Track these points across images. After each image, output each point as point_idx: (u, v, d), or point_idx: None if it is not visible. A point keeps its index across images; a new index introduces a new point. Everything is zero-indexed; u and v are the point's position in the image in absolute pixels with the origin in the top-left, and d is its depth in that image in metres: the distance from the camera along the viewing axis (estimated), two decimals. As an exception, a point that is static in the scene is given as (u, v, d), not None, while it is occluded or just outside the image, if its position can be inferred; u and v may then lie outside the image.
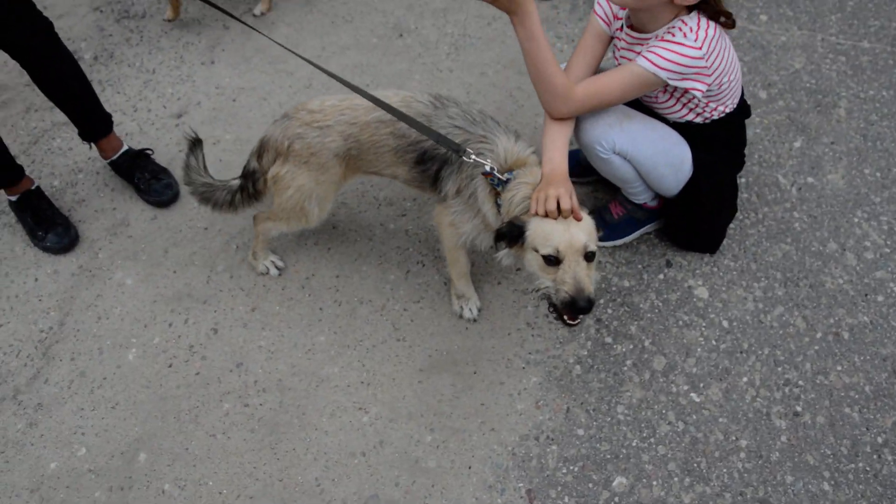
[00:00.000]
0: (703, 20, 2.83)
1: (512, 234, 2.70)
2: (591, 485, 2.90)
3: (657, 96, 3.10)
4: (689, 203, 3.32)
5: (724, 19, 2.90)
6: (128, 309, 3.43)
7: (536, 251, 2.66)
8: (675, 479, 2.89)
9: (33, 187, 3.68)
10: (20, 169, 3.61)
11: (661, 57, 2.78)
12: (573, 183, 2.90)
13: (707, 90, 2.92)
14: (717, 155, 3.24)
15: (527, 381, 3.16)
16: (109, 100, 4.24)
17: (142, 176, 3.75)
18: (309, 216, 3.18)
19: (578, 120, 3.15)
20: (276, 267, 3.48)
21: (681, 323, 3.32)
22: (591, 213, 2.80)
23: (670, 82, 2.83)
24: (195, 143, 3.22)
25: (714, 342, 3.25)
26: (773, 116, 4.00)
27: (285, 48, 3.09)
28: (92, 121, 3.65)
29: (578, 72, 3.10)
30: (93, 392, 3.18)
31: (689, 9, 2.86)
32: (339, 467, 2.97)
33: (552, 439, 3.02)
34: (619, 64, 3.10)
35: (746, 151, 3.45)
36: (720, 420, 3.03)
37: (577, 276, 2.60)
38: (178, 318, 3.38)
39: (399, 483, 2.94)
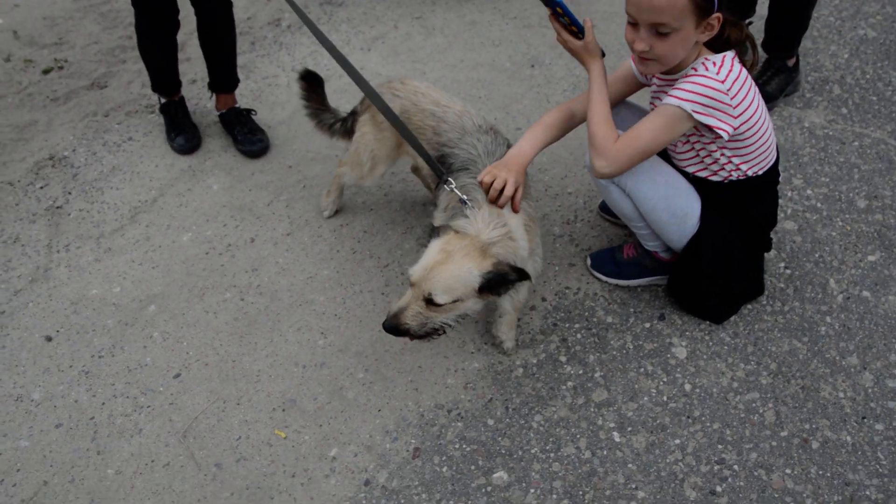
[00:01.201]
0: (729, 60, 2.92)
1: (430, 234, 2.95)
2: (473, 467, 3.07)
3: (675, 144, 3.21)
4: (690, 263, 3.37)
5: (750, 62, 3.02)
6: (202, 205, 4.27)
7: None
8: (554, 496, 2.95)
9: (176, 98, 4.68)
10: (179, 83, 4.64)
11: (684, 90, 2.88)
12: (606, 220, 3.14)
13: (733, 134, 2.95)
14: (729, 219, 3.26)
15: (468, 364, 3.41)
16: (279, 58, 5.29)
17: (241, 129, 4.63)
18: (363, 168, 3.70)
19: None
20: (332, 211, 4.13)
21: (641, 370, 3.34)
22: (610, 251, 3.18)
23: (695, 115, 2.86)
24: (309, 76, 3.84)
25: (665, 398, 3.23)
26: (859, 226, 3.83)
27: (321, 39, 3.52)
28: (224, 77, 4.60)
29: None
30: (147, 252, 4.02)
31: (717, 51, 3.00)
32: (280, 369, 3.46)
33: (461, 417, 3.23)
34: (652, 107, 3.31)
35: (807, 246, 3.39)
36: (629, 465, 3.03)
37: (402, 304, 2.82)
38: (232, 223, 4.14)
39: (317, 398, 3.34)
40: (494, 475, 3.05)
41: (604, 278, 3.68)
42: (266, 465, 3.14)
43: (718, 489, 2.94)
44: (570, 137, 3.33)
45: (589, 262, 3.74)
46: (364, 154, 3.65)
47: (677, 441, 3.10)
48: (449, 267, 2.72)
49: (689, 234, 3.30)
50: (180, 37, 4.38)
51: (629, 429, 3.16)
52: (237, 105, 4.67)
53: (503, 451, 3.12)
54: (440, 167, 3.17)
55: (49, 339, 3.65)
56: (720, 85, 2.87)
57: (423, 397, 3.33)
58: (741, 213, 3.28)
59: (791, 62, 4.55)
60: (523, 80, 4.88)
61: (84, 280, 3.92)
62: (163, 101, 4.67)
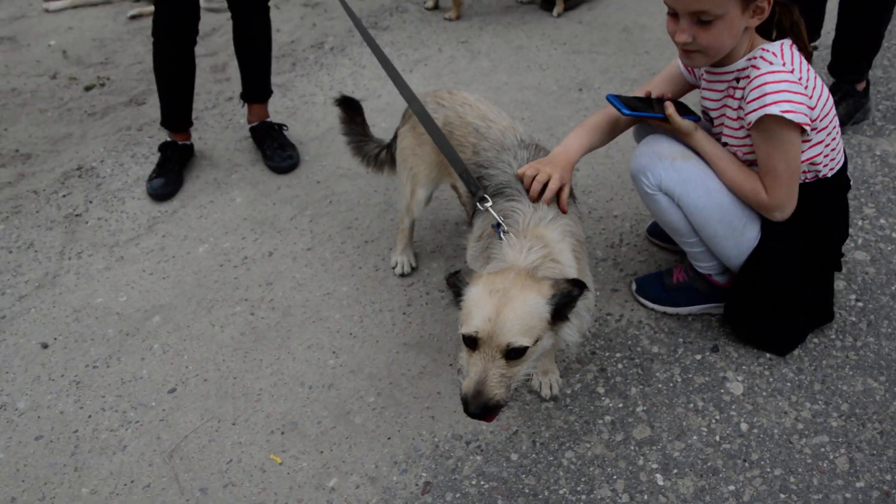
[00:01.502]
0: (788, 48, 2.59)
1: (453, 285, 2.36)
2: (490, 506, 2.62)
3: (740, 145, 2.77)
4: (751, 283, 2.91)
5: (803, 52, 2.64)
6: (223, 217, 3.98)
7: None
8: None
9: (181, 141, 4.32)
10: (190, 120, 4.34)
11: (761, 97, 2.52)
12: (655, 244, 2.75)
13: (811, 124, 2.57)
14: (794, 231, 2.80)
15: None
16: (318, 78, 5.03)
17: (271, 144, 4.33)
18: (404, 189, 3.30)
19: (637, 134, 3.00)
20: (403, 267, 3.53)
21: (691, 406, 2.85)
22: (656, 276, 2.78)
23: (787, 117, 2.47)
24: (346, 102, 3.52)
25: (717, 438, 2.73)
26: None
27: (364, 35, 3.29)
28: (257, 87, 4.32)
29: None
30: (159, 262, 3.72)
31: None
32: (284, 389, 3.07)
33: (481, 450, 2.78)
34: (703, 105, 2.92)
35: (882, 278, 2.91)
36: (674, 514, 2.54)
37: (482, 374, 2.19)
38: (251, 236, 3.83)
39: (321, 422, 2.93)
40: (515, 517, 2.59)
41: (650, 305, 3.22)
42: (256, 492, 2.72)
43: (781, 547, 2.43)
44: (619, 160, 2.96)
45: (634, 287, 3.29)
46: (404, 174, 3.27)
47: (731, 487, 2.59)
48: (515, 306, 2.18)
49: (747, 249, 2.86)
50: (222, 58, 4.20)
51: (675, 471, 2.66)
52: (269, 119, 4.42)
53: (527, 491, 2.65)
54: (476, 182, 2.74)
55: (45, 346, 3.34)
56: (790, 76, 2.51)
57: (440, 426, 2.89)
58: (809, 224, 2.81)
59: (861, 87, 4.10)
60: (570, 104, 4.52)
61: (91, 288, 3.63)
62: (168, 139, 4.35)
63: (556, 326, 2.29)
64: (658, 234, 3.51)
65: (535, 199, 2.58)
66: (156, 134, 4.67)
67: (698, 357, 3.03)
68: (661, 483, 2.63)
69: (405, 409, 2.96)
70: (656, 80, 3.05)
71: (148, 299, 3.55)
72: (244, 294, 3.52)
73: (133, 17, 6.00)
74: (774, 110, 2.49)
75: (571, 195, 2.71)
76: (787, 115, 2.49)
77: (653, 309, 3.23)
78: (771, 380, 2.92)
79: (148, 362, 3.24)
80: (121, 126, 4.76)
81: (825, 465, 2.63)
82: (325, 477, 2.76)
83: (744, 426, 2.77)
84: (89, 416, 3.05)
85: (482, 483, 2.68)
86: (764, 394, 2.87)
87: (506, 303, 2.18)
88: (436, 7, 5.72)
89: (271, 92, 4.37)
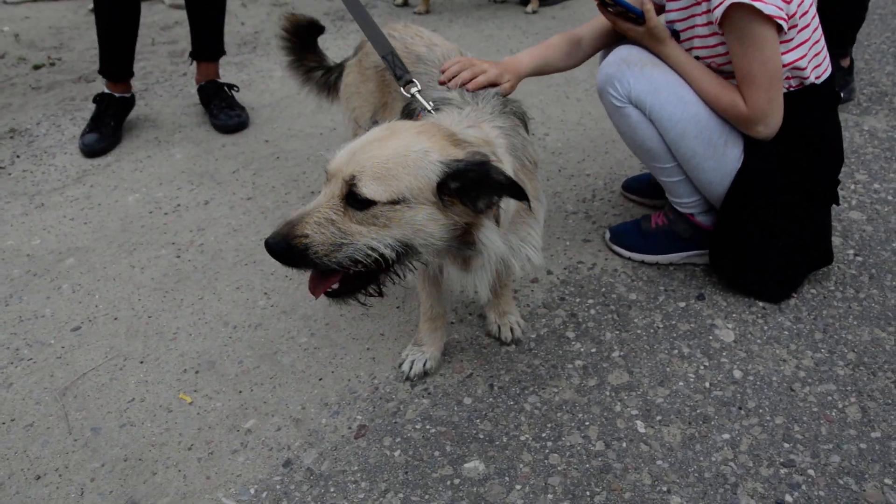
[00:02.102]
0: None
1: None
2: (436, 453, 2.06)
3: (713, 46, 2.37)
4: (736, 215, 2.47)
5: None
6: (159, 170, 3.51)
7: None
8: (550, 495, 1.93)
9: (118, 94, 3.78)
10: (131, 71, 3.81)
11: None
12: (630, 199, 2.34)
13: (789, 21, 2.19)
14: (783, 151, 2.37)
15: (445, 334, 2.45)
16: (277, 58, 4.45)
17: (218, 104, 3.88)
18: (347, 129, 2.80)
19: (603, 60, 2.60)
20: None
21: (675, 352, 2.36)
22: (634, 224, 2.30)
23: (755, 5, 2.10)
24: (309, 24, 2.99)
25: (707, 384, 2.24)
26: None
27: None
28: (208, 43, 3.86)
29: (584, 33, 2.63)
30: (83, 209, 3.21)
31: None
32: (204, 328, 2.54)
33: (429, 393, 2.25)
34: (669, 20, 2.53)
35: (880, 235, 2.49)
36: (658, 462, 2.01)
37: (306, 209, 1.64)
38: (188, 187, 3.35)
39: (242, 362, 2.39)
40: (466, 464, 2.04)
41: (626, 253, 2.75)
42: (158, 433, 2.16)
43: (789, 499, 1.90)
44: (591, 127, 2.56)
45: (608, 235, 2.83)
46: (346, 113, 2.80)
47: (726, 436, 2.08)
48: (391, 144, 1.61)
49: (730, 171, 2.43)
50: (182, 45, 3.82)
51: (658, 418, 2.15)
52: (219, 80, 3.98)
53: (481, 437, 2.12)
54: (403, 66, 2.24)
55: (-65, 284, 2.82)
56: None
57: (381, 368, 2.36)
58: (797, 141, 2.38)
59: (845, 63, 3.79)
60: (541, 80, 4.11)
61: (2, 232, 3.10)
62: (105, 90, 3.81)
63: (451, 208, 1.64)
64: (633, 189, 3.08)
65: (452, 82, 2.14)
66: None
67: (682, 304, 2.56)
68: (642, 430, 2.11)
69: (342, 349, 2.44)
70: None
71: (64, 242, 3.02)
72: (172, 238, 3.01)
73: (93, 10, 5.56)
74: None
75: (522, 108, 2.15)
76: (756, 5, 2.11)
77: (629, 258, 2.76)
78: (765, 328, 2.44)
79: (53, 301, 2.71)
80: (65, 97, 4.31)
81: (833, 413, 2.13)
82: (241, 418, 2.20)
83: (737, 373, 2.28)
84: (-27, 354, 2.51)
85: (428, 427, 2.15)
86: (758, 341, 2.39)
87: (384, 139, 1.62)
88: (405, 4, 5.45)
89: (223, 50, 3.94)
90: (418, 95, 2.09)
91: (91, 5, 5.60)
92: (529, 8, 5.16)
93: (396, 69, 2.22)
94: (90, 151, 3.61)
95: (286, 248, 1.59)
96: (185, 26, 3.98)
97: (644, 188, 3.01)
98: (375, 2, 5.70)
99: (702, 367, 2.31)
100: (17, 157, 3.67)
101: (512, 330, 2.43)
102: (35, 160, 3.64)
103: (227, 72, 4.31)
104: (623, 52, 2.45)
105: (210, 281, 2.77)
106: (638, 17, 2.39)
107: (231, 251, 2.91)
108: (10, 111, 4.19)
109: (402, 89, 2.16)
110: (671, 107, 2.37)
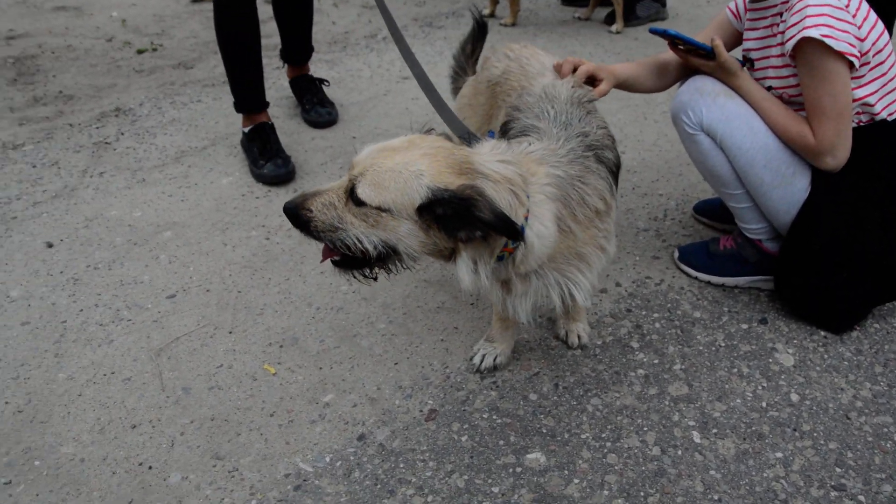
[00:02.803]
0: None
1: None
2: (501, 441, 2.19)
3: (786, 82, 2.45)
4: (802, 244, 2.53)
5: None
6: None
7: None
8: (605, 491, 2.04)
9: (260, 121, 3.62)
10: (265, 99, 3.64)
11: (801, 20, 2.24)
12: (701, 222, 2.71)
13: (861, 59, 2.26)
14: (853, 182, 2.43)
15: (516, 333, 2.57)
16: (367, 58, 4.75)
17: (310, 98, 4.01)
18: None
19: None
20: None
21: (735, 371, 2.44)
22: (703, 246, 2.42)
23: (826, 42, 2.18)
24: (480, 27, 3.05)
25: (764, 404, 2.32)
26: None
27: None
28: (297, 48, 3.95)
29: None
30: (180, 187, 3.44)
31: None
32: (289, 306, 2.72)
33: (497, 386, 2.38)
34: (745, 49, 2.64)
35: None
36: (711, 472, 2.10)
37: (322, 188, 1.84)
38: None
39: (324, 341, 2.56)
40: (528, 455, 2.16)
41: (693, 273, 2.83)
42: (243, 398, 2.34)
43: (836, 522, 1.99)
44: (666, 149, 2.66)
45: (676, 255, 2.92)
46: (462, 112, 2.87)
47: (779, 454, 2.16)
48: (395, 158, 1.74)
49: (797, 200, 2.49)
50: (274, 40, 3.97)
51: (714, 431, 2.24)
52: (310, 73, 4.13)
53: (544, 431, 2.24)
54: (438, 95, 2.40)
55: (50, 245, 3.04)
56: (835, 0, 2.24)
57: (453, 359, 2.50)
58: (865, 174, 2.43)
59: None
60: (621, 100, 4.21)
61: (107, 202, 3.35)
62: (246, 129, 3.63)
63: (428, 229, 1.76)
64: (705, 211, 3.16)
65: (563, 74, 2.37)
66: (200, 89, 4.47)
67: (744, 326, 2.64)
68: (697, 440, 2.21)
69: (417, 338, 2.59)
70: (706, 30, 2.79)
71: (162, 216, 3.25)
72: (262, 221, 3.21)
73: (195, 1, 5.93)
74: (814, 33, 2.20)
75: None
76: (827, 41, 2.19)
77: (696, 278, 2.84)
78: (826, 356, 2.51)
79: (151, 269, 2.92)
80: (165, 81, 4.57)
81: (888, 445, 2.19)
82: (320, 392, 2.37)
83: (794, 397, 2.35)
84: (80, 310, 2.71)
85: (494, 417, 2.28)
86: (818, 369, 2.46)
87: (395, 152, 1.76)
88: (492, 15, 5.59)
89: (312, 49, 4.06)
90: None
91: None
92: (614, 28, 5.25)
93: (434, 99, 2.41)
94: (282, 178, 3.46)
95: (295, 214, 1.82)
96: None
97: (715, 212, 3.09)
98: (463, 11, 5.86)
99: (760, 388, 2.39)
100: (122, 134, 3.92)
101: (578, 336, 2.55)
102: (138, 138, 3.88)
103: (317, 68, 4.51)
104: (697, 83, 2.55)
105: (296, 264, 2.95)
106: (708, 53, 2.50)
107: (317, 238, 3.07)
108: (115, 91, 4.46)
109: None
110: (741, 136, 2.46)
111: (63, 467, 2.15)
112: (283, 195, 3.36)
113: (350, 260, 1.88)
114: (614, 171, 2.15)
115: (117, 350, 2.53)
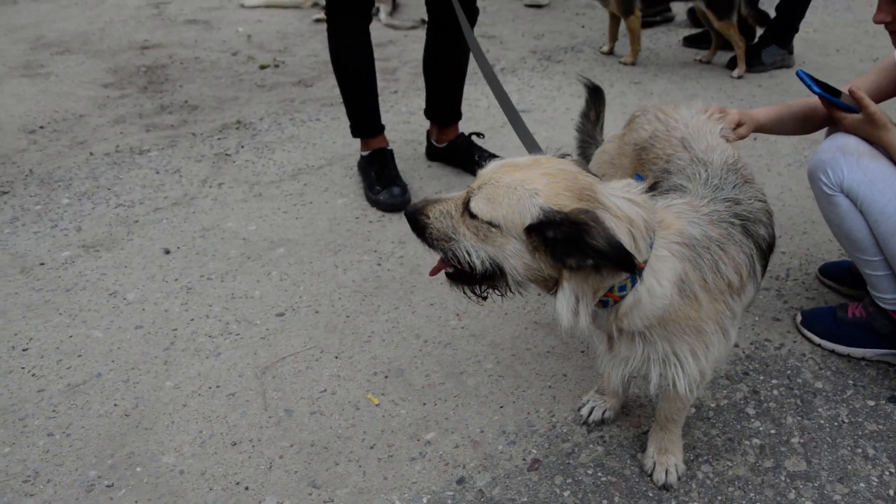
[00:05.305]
0: None
1: None
2: (605, 501, 2.09)
3: None
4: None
5: None
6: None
7: None
8: None
9: (378, 146, 3.62)
10: (381, 123, 3.62)
11: None
12: (826, 285, 2.64)
13: None
14: None
15: (629, 389, 2.46)
16: (483, 88, 4.72)
17: (482, 154, 3.76)
18: None
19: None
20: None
21: (859, 451, 2.27)
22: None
23: None
24: (594, 91, 2.99)
25: (892, 492, 2.13)
26: None
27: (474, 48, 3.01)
28: (447, 108, 3.74)
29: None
30: (295, 205, 3.48)
31: None
32: (396, 336, 2.70)
33: (604, 441, 2.29)
34: None
35: None
36: (831, 562, 1.96)
37: (443, 196, 1.80)
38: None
39: (430, 375, 2.52)
40: (634, 518, 2.08)
41: (817, 339, 2.66)
42: (344, 426, 2.33)
43: None
44: (791, 203, 2.54)
45: (799, 318, 2.75)
46: (599, 169, 2.72)
47: (908, 551, 2.00)
48: (514, 175, 1.66)
49: (946, 277, 2.33)
50: (394, 63, 3.92)
51: (835, 515, 2.10)
52: (462, 132, 3.85)
53: (650, 494, 2.13)
54: (533, 140, 2.26)
55: (167, 251, 3.13)
56: None
57: (560, 408, 2.42)
58: None
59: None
60: (744, 148, 4.03)
61: (224, 213, 3.43)
62: (365, 153, 3.62)
63: (537, 250, 1.65)
64: (831, 274, 2.98)
65: (709, 114, 2.29)
66: (318, 108, 4.53)
67: (871, 403, 2.46)
68: (816, 525, 2.07)
69: (525, 382, 2.52)
70: (867, 74, 2.62)
71: (276, 232, 3.30)
72: (374, 246, 3.21)
73: (317, 21, 6.07)
74: None
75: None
76: None
77: (819, 345, 2.67)
78: (965, 446, 2.32)
79: (262, 285, 2.96)
80: (285, 98, 4.67)
81: None
82: (422, 428, 2.33)
83: (926, 487, 2.19)
84: (192, 320, 2.77)
85: (599, 475, 2.19)
86: (957, 460, 2.28)
87: (519, 168, 1.69)
88: (611, 52, 5.49)
89: (460, 113, 3.82)
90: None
91: (317, 16, 6.07)
92: (735, 73, 5.07)
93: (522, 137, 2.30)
94: (397, 206, 3.42)
95: (413, 218, 1.79)
96: (398, 45, 4.22)
97: (842, 275, 2.91)
98: (582, 47, 5.80)
99: (887, 473, 2.21)
100: (242, 146, 4.02)
101: (667, 472, 2.22)
102: (257, 152, 3.98)
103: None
104: (840, 140, 2.39)
105: (406, 293, 2.93)
106: (849, 111, 2.35)
107: (428, 268, 3.04)
108: (237, 104, 4.60)
109: None
110: (885, 200, 2.28)
111: (163, 477, 2.18)
112: (397, 221, 3.36)
113: (461, 274, 1.83)
114: (764, 249, 1.97)
115: (224, 364, 2.57)
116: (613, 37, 5.54)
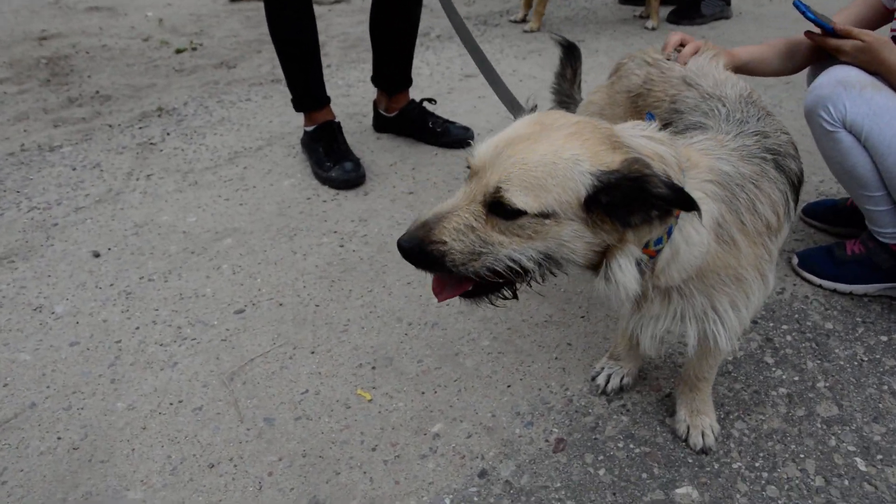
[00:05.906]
0: None
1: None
2: (644, 475, 1.85)
3: None
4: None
5: None
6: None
7: None
8: None
9: (325, 120, 3.28)
10: (326, 95, 3.29)
11: None
12: (810, 224, 2.49)
13: None
14: None
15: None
16: (424, 55, 4.44)
17: (436, 121, 3.47)
18: None
19: (811, 76, 2.38)
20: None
21: (885, 388, 2.10)
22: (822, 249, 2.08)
23: None
24: (569, 49, 2.72)
25: (930, 428, 1.99)
26: None
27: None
28: (397, 74, 3.42)
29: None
30: (237, 190, 3.07)
31: None
32: (376, 322, 2.36)
33: (628, 411, 2.04)
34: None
35: None
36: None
37: (443, 208, 1.42)
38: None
39: (422, 361, 2.21)
40: (678, 490, 1.82)
41: (817, 280, 2.49)
42: (337, 430, 1.99)
43: None
44: None
45: (795, 261, 2.58)
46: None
47: (962, 486, 1.84)
48: (537, 147, 1.35)
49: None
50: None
51: (878, 456, 1.90)
52: (412, 99, 3.53)
53: (689, 461, 1.90)
54: (513, 97, 1.99)
55: (96, 255, 2.68)
56: None
57: (572, 380, 2.15)
58: None
59: None
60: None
61: (157, 206, 2.99)
62: (309, 128, 3.27)
63: (598, 224, 1.37)
64: (816, 214, 2.81)
65: (668, 47, 2.12)
66: (247, 88, 4.11)
67: (884, 338, 2.30)
68: (863, 468, 1.87)
69: (528, 356, 2.23)
70: (849, 7, 2.45)
71: (220, 222, 2.89)
72: (333, 227, 2.85)
73: (233, 1, 5.60)
74: None
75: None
76: None
77: (820, 286, 2.50)
78: None
79: (213, 281, 2.56)
80: (208, 81, 4.22)
81: None
82: (426, 421, 2.02)
83: (963, 420, 2.04)
84: (137, 328, 2.35)
85: (631, 447, 1.93)
86: (982, 388, 2.14)
87: (532, 139, 1.37)
88: (524, 20, 5.25)
89: (411, 80, 3.48)
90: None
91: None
92: (650, 24, 4.96)
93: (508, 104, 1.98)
94: (352, 183, 3.10)
95: (421, 252, 1.39)
96: (324, 20, 3.84)
97: (826, 214, 2.75)
98: (515, 10, 5.54)
99: (921, 409, 2.07)
100: (168, 134, 3.56)
101: (703, 435, 1.99)
102: (185, 139, 3.52)
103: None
104: (839, 73, 2.18)
105: (377, 273, 2.60)
106: (829, 32, 2.19)
107: (395, 241, 2.70)
108: (155, 91, 4.10)
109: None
110: (892, 132, 2.10)
111: (133, 517, 1.80)
112: (353, 197, 3.02)
113: (482, 287, 1.48)
114: (795, 184, 1.73)
115: (183, 374, 2.17)
116: (528, 4, 5.30)
